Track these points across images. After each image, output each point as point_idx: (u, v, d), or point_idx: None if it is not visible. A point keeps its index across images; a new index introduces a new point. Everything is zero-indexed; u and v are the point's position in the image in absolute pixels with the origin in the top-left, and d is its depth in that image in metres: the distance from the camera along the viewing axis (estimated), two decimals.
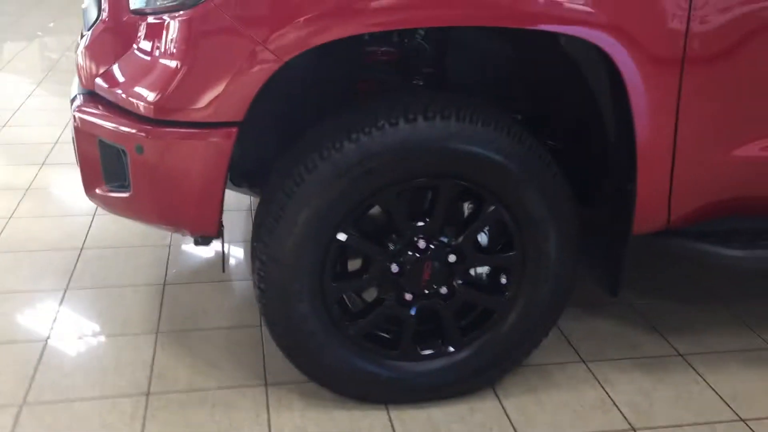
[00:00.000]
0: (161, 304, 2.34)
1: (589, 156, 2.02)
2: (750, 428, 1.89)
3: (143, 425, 1.82)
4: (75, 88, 1.85)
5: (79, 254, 2.63)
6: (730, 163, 1.81)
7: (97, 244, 2.71)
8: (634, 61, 1.64)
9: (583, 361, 2.15)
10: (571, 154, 2.07)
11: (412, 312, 1.84)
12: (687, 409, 1.96)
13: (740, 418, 1.93)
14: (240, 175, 2.06)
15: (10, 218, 2.89)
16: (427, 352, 1.89)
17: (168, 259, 2.61)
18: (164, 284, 2.46)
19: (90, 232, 2.78)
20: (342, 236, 1.73)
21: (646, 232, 1.91)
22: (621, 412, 1.94)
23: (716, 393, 2.02)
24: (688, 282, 2.58)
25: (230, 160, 1.61)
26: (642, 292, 2.51)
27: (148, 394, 1.94)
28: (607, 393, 2.01)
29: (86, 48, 1.78)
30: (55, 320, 2.23)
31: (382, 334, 1.90)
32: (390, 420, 1.88)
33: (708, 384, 2.06)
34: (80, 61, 1.80)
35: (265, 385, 1.98)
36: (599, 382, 2.06)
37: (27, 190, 3.14)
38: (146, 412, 1.87)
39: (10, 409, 1.85)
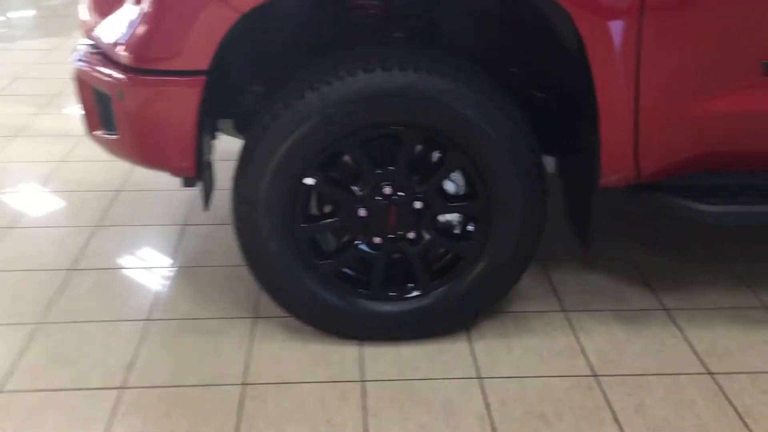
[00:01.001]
0: (177, 243, 2.55)
1: (563, 107, 2.03)
2: (715, 381, 1.90)
3: (137, 346, 2.03)
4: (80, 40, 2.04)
5: (115, 196, 2.88)
6: (699, 118, 1.79)
7: (133, 188, 2.94)
8: (586, 11, 1.65)
9: (564, 311, 2.19)
10: (552, 105, 2.10)
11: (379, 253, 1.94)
12: (655, 360, 1.98)
13: (708, 371, 1.93)
14: (242, 122, 2.20)
15: (61, 162, 3.18)
16: (395, 293, 1.99)
17: (193, 202, 2.81)
18: (184, 225, 2.67)
19: (128, 178, 3.02)
20: (309, 180, 1.85)
21: (616, 184, 1.93)
22: (587, 359, 1.98)
23: (691, 347, 2.03)
24: (693, 240, 2.55)
25: (200, 105, 1.74)
26: (645, 249, 2.51)
27: (148, 320, 2.14)
28: (578, 341, 2.06)
29: (88, 2, 1.95)
30: (80, 253, 2.48)
31: (355, 273, 2.02)
32: (361, 355, 2.00)
33: (685, 338, 2.07)
34: (82, 14, 1.98)
35: (254, 318, 2.15)
36: (574, 331, 2.10)
37: (81, 137, 3.42)
38: (142, 335, 2.07)
39: (26, 327, 2.10)
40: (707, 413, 1.79)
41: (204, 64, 1.69)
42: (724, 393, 1.85)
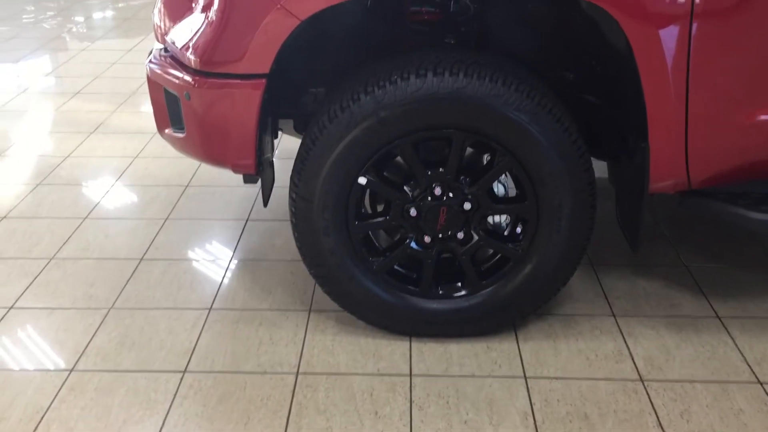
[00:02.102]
0: (240, 237, 2.67)
1: (615, 113, 2.04)
2: (765, 391, 1.88)
3: (200, 334, 2.15)
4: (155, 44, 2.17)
5: (183, 191, 3.02)
6: (748, 125, 1.78)
7: (200, 183, 3.08)
8: (636, 20, 1.66)
9: (614, 315, 2.20)
10: (605, 110, 2.11)
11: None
12: (704, 367, 1.98)
13: (758, 380, 1.92)
14: (302, 122, 2.29)
15: (135, 157, 3.35)
16: (445, 291, 2.05)
17: (256, 198, 2.93)
18: (247, 220, 2.78)
19: (197, 173, 3.17)
20: (362, 180, 1.92)
21: (666, 191, 1.93)
22: (634, 363, 2.00)
23: (741, 355, 2.01)
24: (748, 247, 2.51)
25: (261, 107, 1.84)
26: (700, 255, 2.49)
27: (210, 308, 2.26)
28: (626, 345, 2.07)
29: (160, 7, 2.08)
30: (151, 244, 2.62)
31: (407, 271, 2.08)
32: (410, 350, 2.07)
33: (736, 346, 2.05)
34: (155, 19, 2.11)
35: (309, 311, 2.24)
36: (623, 335, 2.11)
37: (153, 134, 3.59)
38: (205, 323, 2.19)
39: (101, 311, 2.25)
40: (754, 422, 1.78)
41: (265, 67, 1.79)
42: None
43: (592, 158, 2.06)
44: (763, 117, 1.76)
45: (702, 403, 1.85)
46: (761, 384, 1.91)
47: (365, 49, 2.13)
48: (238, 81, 1.81)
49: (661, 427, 1.77)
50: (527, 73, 1.90)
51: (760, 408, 1.83)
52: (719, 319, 2.17)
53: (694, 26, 1.67)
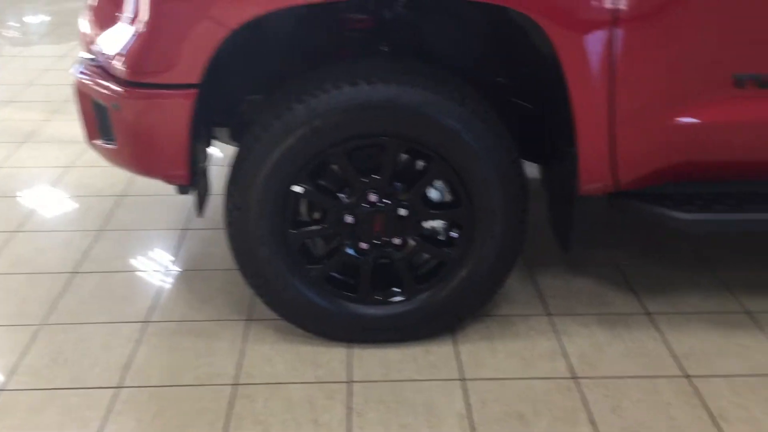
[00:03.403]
0: (177, 247, 2.63)
1: (545, 117, 2.10)
2: (692, 384, 1.95)
3: (136, 348, 2.11)
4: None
5: (119, 201, 2.97)
6: (674, 128, 1.85)
7: (136, 193, 3.03)
8: (560, 27, 1.71)
9: (549, 315, 2.25)
10: (536, 115, 2.16)
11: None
12: (635, 363, 2.04)
13: (685, 374, 1.99)
14: (238, 131, 2.28)
15: (69, 167, 3.28)
16: (383, 297, 2.06)
17: (193, 207, 2.89)
18: (184, 229, 2.75)
19: (132, 182, 3.11)
20: (297, 188, 1.92)
21: (596, 193, 1.98)
22: (568, 361, 2.04)
23: (670, 350, 2.08)
24: (678, 245, 2.60)
25: (192, 117, 1.82)
26: (631, 254, 2.56)
27: (146, 321, 2.23)
28: (560, 344, 2.12)
29: (88, 16, 2.04)
30: (83, 256, 2.57)
31: (344, 278, 2.09)
32: (349, 356, 2.07)
33: (665, 341, 2.12)
34: (83, 28, 2.07)
35: (248, 320, 2.23)
36: (557, 334, 2.16)
37: None
38: (141, 336, 2.16)
39: (30, 328, 2.19)
40: (682, 415, 1.85)
41: (195, 77, 1.77)
42: (699, 395, 1.91)
43: (526, 161, 2.11)
44: (684, 119, 1.83)
45: (632, 398, 1.90)
46: (688, 377, 1.98)
47: (302, 57, 2.13)
48: (168, 91, 1.79)
49: (593, 423, 1.82)
50: (460, 80, 1.93)
51: (687, 401, 1.89)
52: (648, 315, 2.24)
53: (618, 32, 1.72)
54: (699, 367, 2.01)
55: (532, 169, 2.29)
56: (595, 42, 1.73)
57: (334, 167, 1.95)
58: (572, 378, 1.98)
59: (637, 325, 2.20)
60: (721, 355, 2.06)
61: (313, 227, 2.00)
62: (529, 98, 2.19)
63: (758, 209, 1.96)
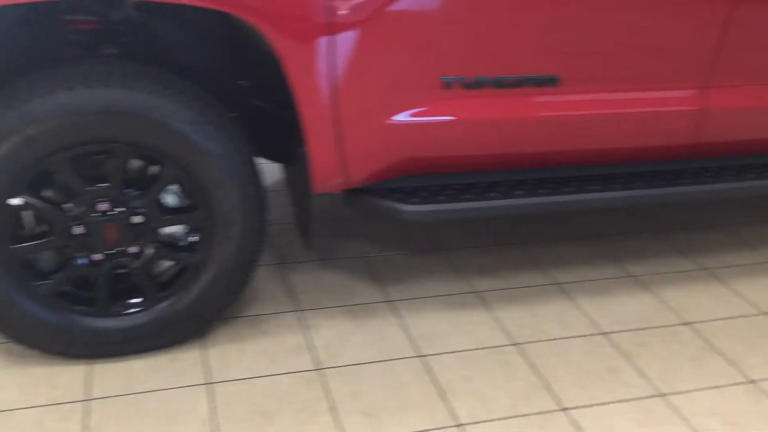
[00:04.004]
0: None
1: (281, 118, 2.16)
2: (425, 363, 2.12)
3: None
4: None
5: None
6: (396, 127, 1.99)
7: None
8: (281, 33, 1.77)
9: (298, 311, 2.32)
10: (272, 115, 2.22)
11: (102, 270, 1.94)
12: (375, 348, 2.17)
13: (420, 354, 2.16)
14: None
15: None
16: (122, 308, 2.00)
17: None
18: None
19: None
20: (16, 200, 1.80)
21: (331, 190, 2.08)
22: (314, 354, 2.12)
23: (407, 333, 2.24)
24: (420, 234, 2.81)
25: None
26: (380, 245, 2.72)
27: None
28: (307, 338, 2.20)
29: None
30: None
31: (79, 291, 1.99)
32: (89, 373, 1.98)
33: (403, 326, 2.28)
34: None
35: None
36: (304, 329, 2.23)
37: None
38: None
39: None
40: (415, 392, 2.00)
41: None
42: (431, 372, 2.08)
43: (269, 161, 2.15)
44: (402, 119, 1.98)
45: (371, 381, 2.02)
46: (422, 357, 2.14)
47: (24, 59, 1.98)
48: None
49: (334, 410, 1.91)
50: (188, 83, 1.92)
51: (420, 378, 2.05)
52: (389, 303, 2.39)
53: (335, 38, 1.81)
54: (432, 347, 2.19)
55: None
56: (314, 47, 1.81)
57: (59, 176, 1.85)
58: (317, 370, 2.06)
59: (379, 313, 2.34)
60: (451, 333, 2.26)
61: (37, 241, 1.88)
62: (267, 99, 2.24)
63: (473, 199, 2.16)
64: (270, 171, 3.14)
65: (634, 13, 2.03)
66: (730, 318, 2.38)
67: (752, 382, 2.09)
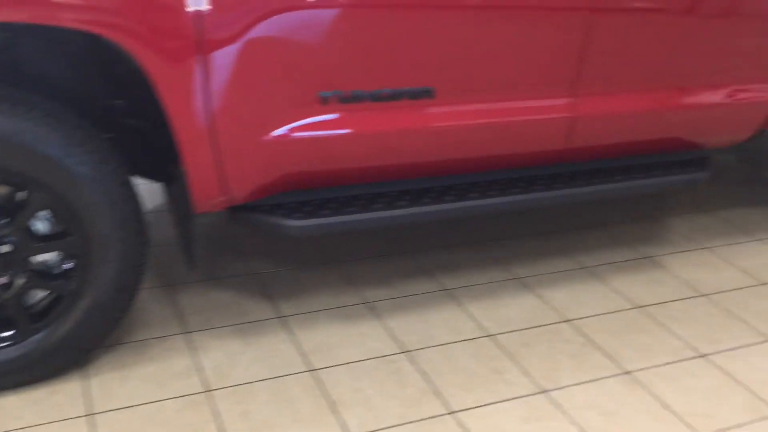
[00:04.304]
0: None
1: (160, 138, 2.12)
2: (316, 377, 2.12)
3: None
4: None
5: None
6: (275, 143, 1.99)
7: None
8: (151, 53, 1.74)
9: (186, 333, 2.28)
10: (151, 135, 2.17)
11: None
12: (265, 366, 2.15)
13: (311, 368, 2.16)
14: None
15: None
16: None
17: None
18: None
19: None
20: None
21: (213, 209, 2.05)
22: (202, 376, 2.09)
23: (298, 348, 2.24)
24: (311, 248, 2.81)
25: None
26: (269, 262, 2.70)
27: None
28: (195, 360, 2.15)
29: None
30: None
31: None
32: None
33: (294, 341, 2.27)
34: None
35: None
36: (193, 351, 2.19)
37: None
38: None
39: None
40: (305, 407, 2.00)
41: None
42: (322, 386, 2.08)
43: (150, 181, 2.09)
44: (282, 135, 1.98)
45: (261, 400, 2.01)
46: (313, 371, 2.14)
47: None
48: None
49: (223, 431, 1.89)
50: (56, 105, 1.85)
51: (311, 393, 2.05)
52: (281, 318, 2.38)
53: (208, 55, 1.79)
54: (323, 360, 2.19)
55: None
56: (184, 66, 1.78)
57: None
58: (205, 392, 2.03)
59: (270, 330, 2.32)
60: (342, 345, 2.27)
61: None
62: (146, 119, 2.18)
63: (358, 211, 2.19)
64: (155, 191, 3.07)
65: (503, 27, 2.11)
66: (607, 313, 2.51)
67: (627, 373, 2.21)
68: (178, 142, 1.88)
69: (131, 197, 1.93)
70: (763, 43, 2.57)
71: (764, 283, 2.75)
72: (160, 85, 1.80)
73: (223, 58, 1.83)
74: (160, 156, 2.21)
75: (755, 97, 2.66)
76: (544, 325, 2.42)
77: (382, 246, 2.86)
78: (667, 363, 2.26)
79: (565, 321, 2.45)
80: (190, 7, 1.74)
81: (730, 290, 2.69)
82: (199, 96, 1.84)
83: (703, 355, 2.31)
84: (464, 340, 2.32)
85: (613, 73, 2.35)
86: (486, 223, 3.09)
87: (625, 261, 2.86)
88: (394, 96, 2.08)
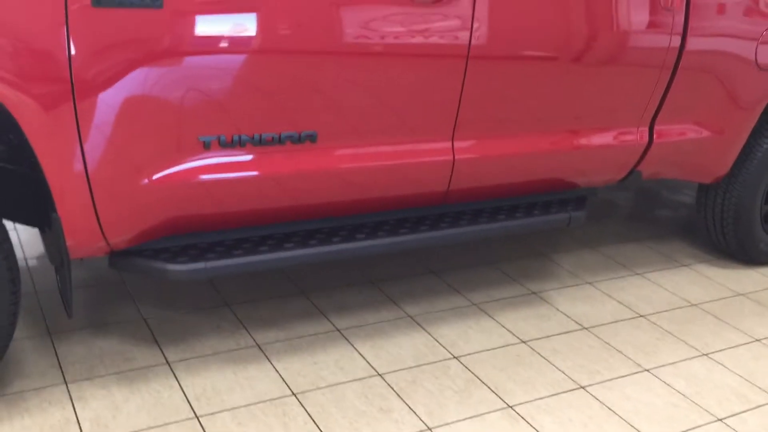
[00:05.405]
0: None
1: (35, 185, 2.07)
2: (200, 424, 2.09)
3: None
4: None
5: None
6: (155, 189, 1.98)
7: None
8: (15, 98, 1.71)
9: (65, 383, 2.20)
10: (26, 181, 2.11)
11: None
12: (149, 414, 2.10)
13: (195, 415, 2.12)
14: None
15: None
16: None
17: None
18: None
19: None
20: None
21: (90, 255, 2.02)
22: (80, 429, 2.02)
23: (184, 394, 2.20)
24: (202, 290, 2.78)
25: None
26: (158, 306, 2.65)
27: None
28: (74, 411, 2.08)
29: None
30: None
31: None
32: None
33: (180, 387, 2.23)
34: None
35: None
36: (72, 402, 2.12)
37: None
38: None
39: None
40: None
41: None
42: None
43: (25, 225, 2.02)
44: (163, 180, 1.97)
45: None
46: (198, 418, 2.11)
47: None
48: None
49: None
50: None
51: None
52: (168, 364, 2.34)
53: (78, 101, 1.78)
54: (209, 406, 2.16)
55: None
56: (54, 112, 1.76)
57: None
58: None
59: (156, 376, 2.27)
60: (230, 390, 2.24)
61: None
62: (18, 163, 2.13)
63: (243, 254, 2.19)
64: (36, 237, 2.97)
65: (384, 73, 2.19)
66: (494, 348, 2.59)
67: (510, 407, 2.28)
68: (50, 187, 1.84)
69: (2, 244, 1.88)
70: (622, 88, 2.74)
71: (641, 315, 2.90)
72: (27, 131, 1.77)
73: (94, 103, 1.82)
74: (33, 200, 2.15)
75: (628, 141, 2.83)
76: (433, 363, 2.47)
77: (272, 287, 2.86)
78: (549, 395, 2.35)
79: (453, 358, 2.51)
80: (54, 53, 1.72)
81: (610, 323, 2.83)
82: (71, 144, 1.81)
83: (582, 387, 2.41)
84: (353, 380, 2.34)
85: (491, 117, 2.46)
86: (379, 261, 3.14)
87: (513, 297, 2.96)
88: (278, 140, 2.11)
